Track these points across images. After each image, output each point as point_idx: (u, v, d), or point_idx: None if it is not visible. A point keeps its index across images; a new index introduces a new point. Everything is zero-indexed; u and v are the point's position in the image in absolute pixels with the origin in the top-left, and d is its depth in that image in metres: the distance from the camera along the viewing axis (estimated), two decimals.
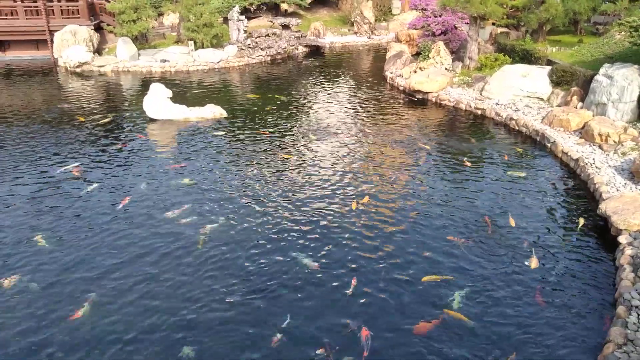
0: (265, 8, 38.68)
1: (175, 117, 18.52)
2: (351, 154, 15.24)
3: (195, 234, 10.68)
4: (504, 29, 27.98)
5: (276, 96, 21.94)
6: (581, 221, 11.18)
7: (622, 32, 19.91)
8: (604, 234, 10.63)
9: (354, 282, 8.99)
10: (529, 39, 24.42)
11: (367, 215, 11.49)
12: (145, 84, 23.47)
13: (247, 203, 12.08)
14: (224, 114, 18.98)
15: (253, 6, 37.76)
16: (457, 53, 25.03)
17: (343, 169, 14.10)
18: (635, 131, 14.54)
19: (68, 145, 15.97)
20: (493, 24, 28.54)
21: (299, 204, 12.05)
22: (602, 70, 16.44)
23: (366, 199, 12.20)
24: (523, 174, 13.74)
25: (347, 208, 11.80)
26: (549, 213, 11.67)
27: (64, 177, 13.57)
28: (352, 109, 20.15)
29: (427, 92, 21.30)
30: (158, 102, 18.41)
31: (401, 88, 23.03)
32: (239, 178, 13.54)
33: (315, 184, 13.17)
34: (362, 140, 16.48)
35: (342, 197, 12.42)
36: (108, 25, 30.50)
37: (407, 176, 13.61)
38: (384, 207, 11.89)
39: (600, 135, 14.55)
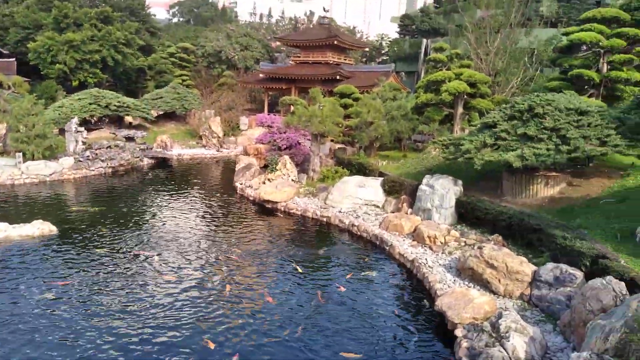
0: (107, 120, 37.61)
1: None
2: (199, 268, 14.56)
3: None
4: (342, 145, 30.90)
5: (116, 209, 20.59)
6: (422, 312, 11.89)
7: (437, 149, 23.30)
8: (442, 328, 11.34)
9: None
10: (362, 154, 27.20)
11: (215, 332, 10.79)
12: None
13: (72, 331, 10.54)
14: (54, 230, 17.08)
15: (94, 118, 36.48)
16: (302, 166, 26.66)
17: (190, 285, 13.32)
18: (457, 233, 16.47)
19: None
20: (332, 140, 31.39)
21: (136, 327, 10.87)
22: (424, 181, 18.77)
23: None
24: (373, 273, 14.51)
25: (192, 329, 10.97)
26: (392, 312, 12.19)
27: None
28: (202, 219, 19.71)
29: (276, 202, 21.93)
30: None
31: (251, 198, 23.44)
32: (66, 303, 11.89)
33: (158, 303, 12.13)
34: (212, 251, 15.96)
35: (188, 316, 11.56)
36: None
37: (259, 285, 13.33)
38: (232, 320, 11.31)
39: (429, 237, 16.14)
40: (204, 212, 21.00)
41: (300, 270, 14.44)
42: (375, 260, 15.93)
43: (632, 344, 7.21)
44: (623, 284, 9.88)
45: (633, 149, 16.34)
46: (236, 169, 27.53)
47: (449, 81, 25.83)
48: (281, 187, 22.41)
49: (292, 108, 36.01)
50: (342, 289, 13.39)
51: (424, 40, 63.60)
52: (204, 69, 56.88)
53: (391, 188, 20.76)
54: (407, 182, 20.55)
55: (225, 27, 60.12)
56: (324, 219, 20.06)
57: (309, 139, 26.53)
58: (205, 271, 14.31)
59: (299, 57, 46.52)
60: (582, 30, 24.79)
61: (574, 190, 16.92)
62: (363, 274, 14.58)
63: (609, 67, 24.69)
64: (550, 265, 12.14)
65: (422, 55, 62.20)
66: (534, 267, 12.37)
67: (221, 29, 59.62)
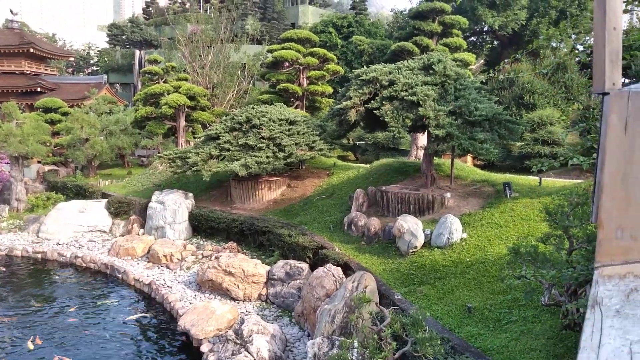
0: None
1: None
2: None
3: None
4: (53, 167, 27.14)
5: None
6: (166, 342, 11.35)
7: (163, 163, 22.71)
8: (189, 347, 11.05)
9: None
10: (79, 174, 24.48)
11: None
12: None
13: None
14: None
15: None
16: (1, 196, 22.34)
17: None
18: (193, 246, 16.38)
19: None
20: (39, 162, 27.25)
21: None
22: (153, 198, 18.04)
23: None
24: (108, 302, 13.21)
25: None
26: (135, 342, 11.30)
27: None
28: None
29: None
30: None
31: None
32: None
33: None
34: None
35: None
36: None
37: None
38: None
39: (165, 256, 15.58)
40: None
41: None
42: (109, 291, 14.47)
43: (352, 321, 8.40)
44: (340, 268, 11.46)
45: (334, 152, 19.21)
46: None
47: (168, 94, 25.51)
48: None
49: None
50: (69, 326, 11.70)
51: (137, 52, 61.29)
52: None
53: (118, 209, 19.25)
54: (135, 201, 19.40)
55: None
56: (39, 255, 17.22)
57: (7, 163, 22.38)
58: None
59: None
60: (283, 48, 27.82)
61: (293, 192, 18.85)
62: (97, 308, 13.07)
63: (308, 81, 28.39)
64: (280, 262, 13.20)
65: (136, 66, 59.77)
66: (267, 267, 13.25)
67: None
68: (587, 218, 6.92)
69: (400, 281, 10.71)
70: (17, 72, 38.02)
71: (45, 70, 40.76)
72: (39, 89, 36.25)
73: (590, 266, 6.30)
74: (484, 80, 19.68)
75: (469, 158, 21.20)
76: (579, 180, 14.08)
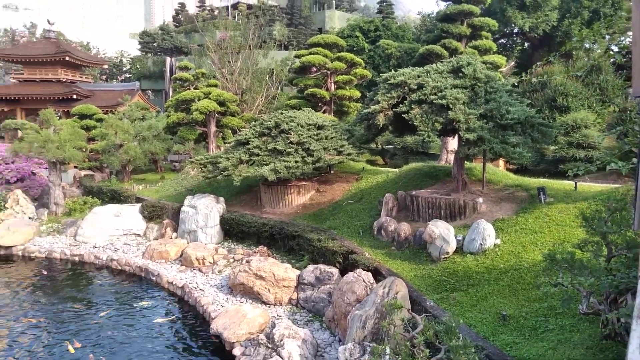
0: None
1: None
2: None
3: None
4: (89, 172, 27.97)
5: None
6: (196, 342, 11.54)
7: (195, 168, 23.12)
8: (221, 350, 11.21)
9: None
10: (114, 179, 25.15)
11: None
12: None
13: None
14: None
15: None
16: (41, 200, 23.14)
17: None
18: (225, 250, 16.61)
19: None
20: (76, 167, 28.14)
21: None
22: (186, 202, 18.39)
23: None
24: (144, 304, 13.54)
25: None
26: (168, 343, 11.53)
27: None
28: None
29: (10, 247, 18.45)
30: None
31: None
32: None
33: None
34: None
35: None
36: None
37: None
38: None
39: (197, 259, 15.85)
40: None
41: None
42: (143, 294, 14.81)
43: (383, 327, 8.39)
44: (370, 274, 11.44)
45: (362, 156, 19.20)
46: None
47: (199, 100, 25.97)
48: (15, 228, 18.97)
49: (19, 133, 30.93)
50: (111, 331, 12.04)
51: (168, 59, 62.61)
52: None
53: (152, 213, 19.70)
54: (168, 205, 19.82)
55: None
56: (77, 258, 17.76)
57: (45, 168, 23.19)
58: None
59: (23, 74, 40.38)
60: (310, 53, 27.99)
61: (322, 196, 18.93)
62: (131, 310, 13.39)
63: (335, 86, 28.48)
64: (310, 267, 13.26)
65: (167, 73, 61.07)
66: (297, 272, 13.33)
67: None
68: (625, 224, 6.75)
69: (432, 287, 10.63)
70: (53, 80, 39.37)
71: (80, 77, 42.04)
72: (74, 96, 37.42)
73: (631, 274, 6.15)
74: (515, 83, 19.41)
75: (501, 162, 20.89)
76: (617, 185, 13.70)
